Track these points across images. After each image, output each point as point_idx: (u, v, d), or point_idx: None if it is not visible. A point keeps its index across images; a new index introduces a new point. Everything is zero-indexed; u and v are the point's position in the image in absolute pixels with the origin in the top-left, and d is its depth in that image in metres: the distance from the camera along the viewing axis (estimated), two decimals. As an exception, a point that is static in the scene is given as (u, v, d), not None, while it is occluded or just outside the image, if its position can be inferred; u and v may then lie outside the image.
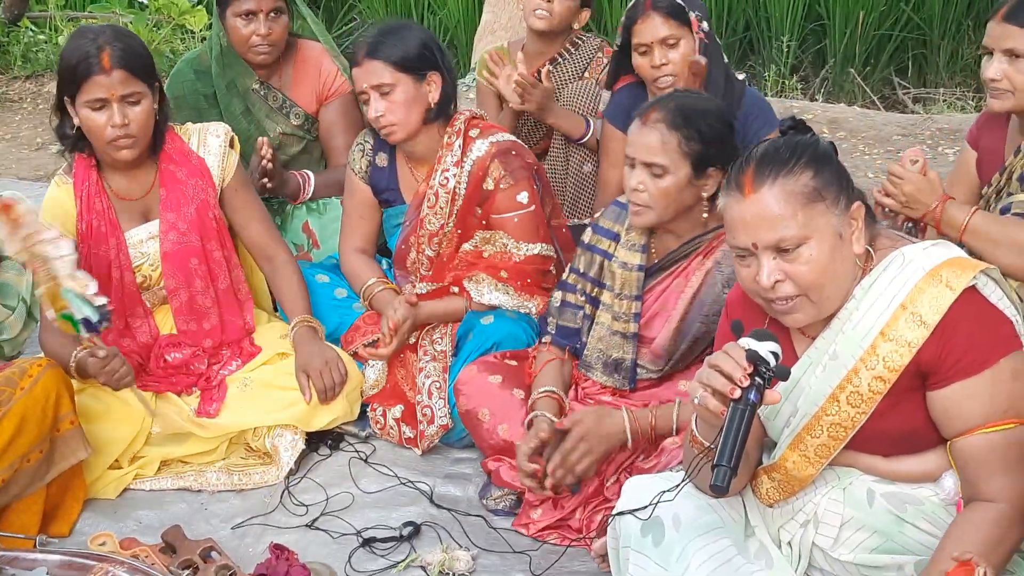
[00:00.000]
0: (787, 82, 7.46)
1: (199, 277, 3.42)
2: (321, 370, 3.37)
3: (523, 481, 3.01)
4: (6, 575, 2.49)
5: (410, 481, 3.32)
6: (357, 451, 3.45)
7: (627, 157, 2.98)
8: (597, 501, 3.03)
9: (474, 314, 3.51)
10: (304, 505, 3.23)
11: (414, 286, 3.60)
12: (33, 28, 8.32)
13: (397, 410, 3.47)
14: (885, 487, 2.31)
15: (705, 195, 2.96)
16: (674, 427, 2.95)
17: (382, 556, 3.02)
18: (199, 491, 3.32)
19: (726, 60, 3.70)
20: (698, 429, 2.26)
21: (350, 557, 3.00)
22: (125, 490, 3.30)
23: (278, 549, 2.90)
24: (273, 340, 3.54)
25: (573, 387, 3.22)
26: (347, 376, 3.42)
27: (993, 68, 2.98)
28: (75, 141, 3.33)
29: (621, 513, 2.42)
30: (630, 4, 3.68)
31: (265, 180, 3.81)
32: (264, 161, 3.79)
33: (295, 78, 4.13)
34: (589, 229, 3.23)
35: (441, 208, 3.53)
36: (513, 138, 3.60)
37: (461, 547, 3.02)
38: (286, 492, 3.28)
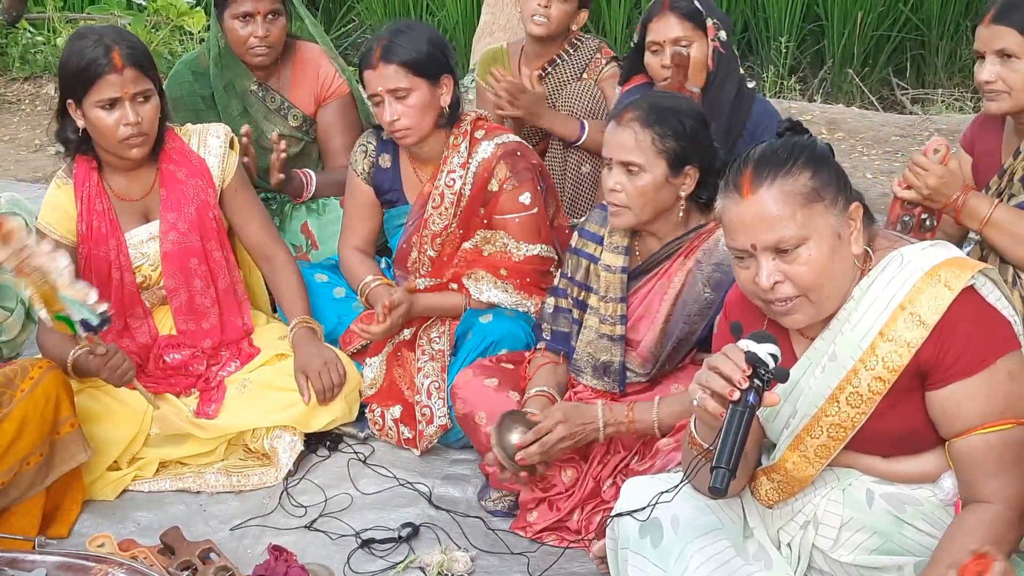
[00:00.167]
0: (785, 83, 7.47)
1: (199, 277, 3.42)
2: (320, 371, 3.37)
3: (487, 460, 3.02)
4: (5, 577, 2.50)
5: (408, 482, 3.32)
6: (356, 452, 3.45)
7: (604, 158, 2.99)
8: (595, 502, 3.03)
9: (473, 313, 3.51)
10: (303, 506, 3.23)
11: (412, 282, 3.60)
12: (31, 30, 8.32)
13: (395, 411, 3.47)
14: (884, 488, 2.31)
15: (683, 194, 2.97)
16: (655, 423, 2.94)
17: (381, 557, 3.02)
18: (198, 492, 3.32)
19: (742, 73, 3.72)
20: (697, 431, 2.26)
21: (349, 558, 3.01)
22: (124, 491, 3.30)
23: (277, 550, 2.90)
24: (272, 341, 3.54)
25: (569, 391, 3.22)
26: (346, 377, 3.42)
27: (986, 71, 2.99)
28: (78, 144, 3.32)
29: (620, 514, 2.42)
30: (650, 3, 3.71)
31: (283, 175, 3.81)
32: (282, 155, 3.79)
33: (293, 79, 4.13)
34: (576, 233, 3.24)
35: (446, 209, 3.53)
36: (518, 139, 3.60)
37: (460, 548, 3.02)
38: (285, 493, 3.28)
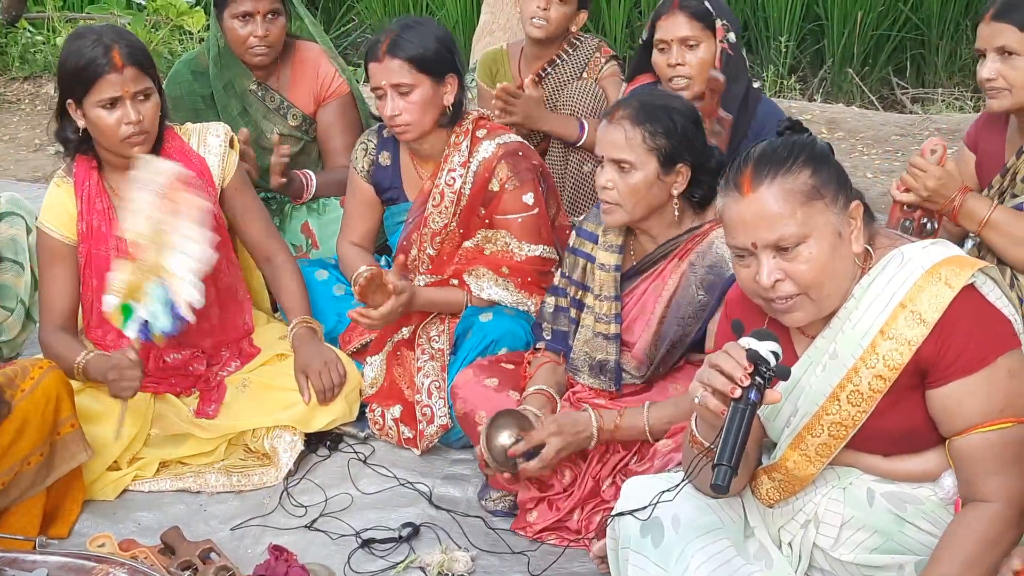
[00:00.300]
0: (785, 82, 7.46)
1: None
2: (320, 371, 3.37)
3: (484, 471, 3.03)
4: (5, 577, 2.50)
5: (409, 482, 3.32)
6: (356, 452, 3.45)
7: (597, 156, 3.00)
8: (595, 502, 3.03)
9: (473, 311, 3.51)
10: (303, 506, 3.23)
11: (412, 281, 3.60)
12: (31, 29, 8.31)
13: (396, 410, 3.47)
14: (885, 487, 2.31)
15: (675, 192, 2.97)
16: (646, 428, 2.97)
17: (381, 557, 3.02)
18: (198, 492, 3.32)
19: (750, 77, 3.73)
20: (698, 429, 2.26)
21: (349, 558, 3.01)
22: (124, 491, 3.31)
23: (277, 550, 2.90)
24: (272, 341, 3.55)
25: (568, 392, 3.22)
26: (346, 377, 3.42)
27: (987, 68, 2.99)
28: (78, 144, 3.32)
29: (620, 514, 2.42)
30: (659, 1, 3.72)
31: (284, 179, 3.81)
32: (283, 158, 3.79)
33: (293, 79, 4.13)
34: (573, 232, 3.24)
35: (446, 208, 3.53)
36: (520, 139, 3.60)
37: (460, 548, 3.02)
38: (285, 493, 3.28)
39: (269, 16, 3.94)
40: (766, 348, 2.08)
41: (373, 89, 3.48)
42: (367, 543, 3.05)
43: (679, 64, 3.59)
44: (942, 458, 2.27)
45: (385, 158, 3.68)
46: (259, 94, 4.09)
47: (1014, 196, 3.03)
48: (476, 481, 3.32)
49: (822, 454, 2.30)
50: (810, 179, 2.19)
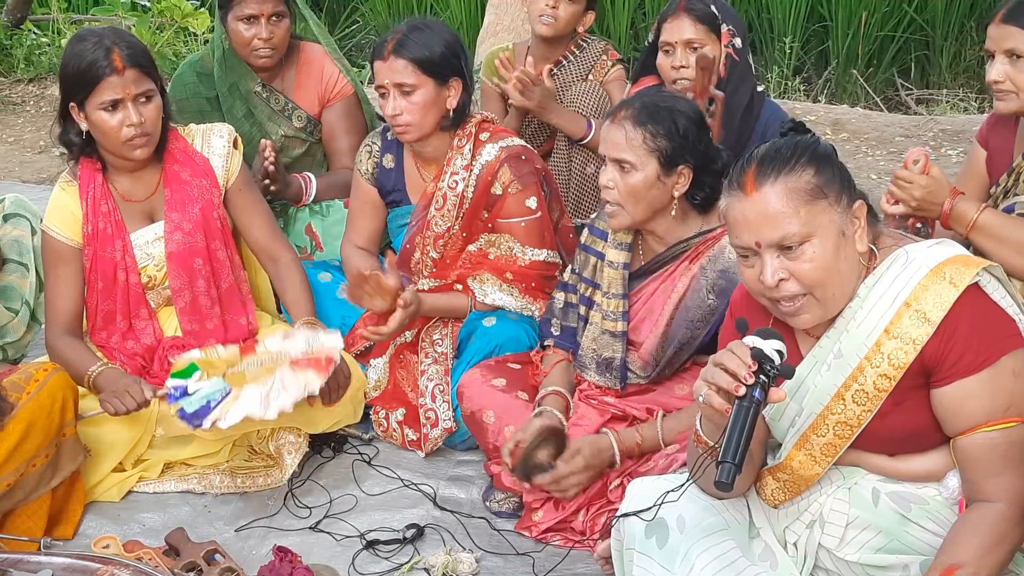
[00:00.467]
0: (790, 83, 7.46)
1: (203, 277, 3.42)
2: (325, 372, 3.37)
3: (503, 453, 3.02)
4: (10, 578, 2.51)
5: (413, 483, 3.32)
6: (360, 453, 3.46)
7: (600, 156, 3.01)
8: (601, 503, 3.03)
9: (476, 315, 3.51)
10: (307, 507, 3.24)
11: (415, 285, 3.61)
12: (36, 31, 8.33)
13: (399, 413, 3.47)
14: (890, 486, 2.31)
15: (676, 194, 2.97)
16: (660, 439, 2.99)
17: (385, 558, 3.02)
18: (203, 494, 3.32)
19: (755, 81, 3.72)
20: (703, 429, 2.26)
21: (354, 559, 3.01)
22: (129, 493, 3.31)
23: (281, 551, 2.90)
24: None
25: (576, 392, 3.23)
26: (350, 379, 3.42)
27: (995, 70, 2.99)
28: (82, 146, 3.33)
29: (625, 515, 2.41)
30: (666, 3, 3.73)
31: (267, 182, 3.81)
32: (267, 163, 3.79)
33: (297, 81, 4.14)
34: (585, 230, 3.25)
35: (449, 211, 3.53)
36: (523, 142, 3.60)
37: (464, 549, 3.02)
38: (289, 494, 3.29)
39: (273, 18, 3.94)
40: (770, 347, 2.09)
41: (377, 87, 3.49)
42: (371, 544, 3.05)
43: (683, 67, 3.59)
44: (947, 458, 2.27)
45: (389, 160, 3.68)
46: (264, 96, 4.10)
47: (1016, 196, 3.02)
48: (480, 482, 3.32)
49: (827, 454, 2.30)
50: (813, 178, 2.20)
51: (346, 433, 3.51)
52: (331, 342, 3.12)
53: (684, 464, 2.62)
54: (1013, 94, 2.99)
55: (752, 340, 2.10)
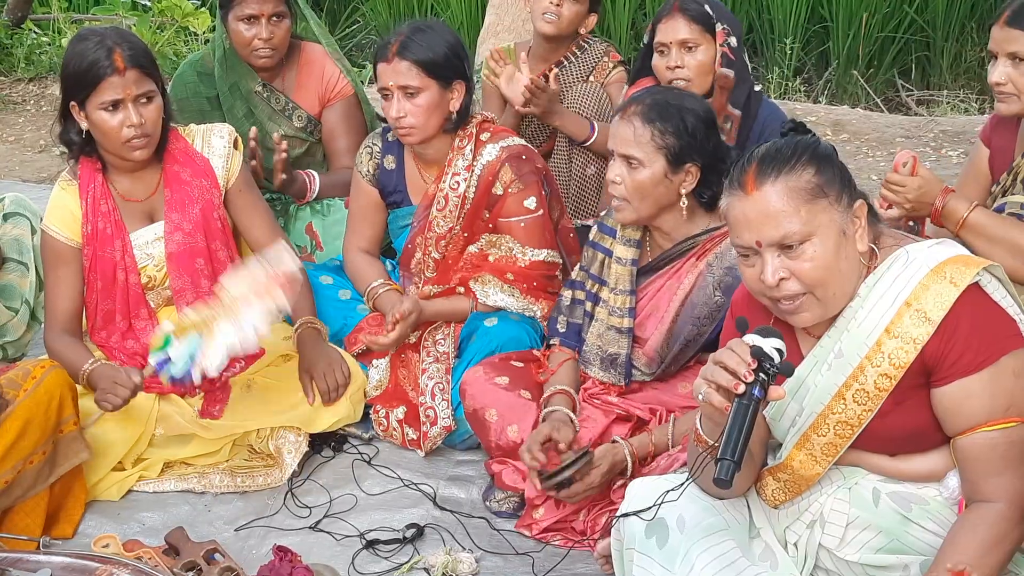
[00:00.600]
0: (790, 84, 7.47)
1: (204, 278, 3.42)
2: (325, 372, 3.37)
3: (524, 458, 3.00)
4: (9, 577, 2.50)
5: (413, 483, 3.32)
6: (360, 453, 3.45)
7: (608, 151, 3.01)
8: (603, 503, 3.03)
9: (478, 316, 3.51)
10: (307, 507, 3.23)
11: (418, 287, 3.61)
12: (36, 30, 8.33)
13: (400, 412, 3.47)
14: (891, 486, 2.31)
15: (683, 192, 2.97)
16: (670, 442, 2.99)
17: (385, 558, 3.02)
18: (202, 493, 3.32)
19: (752, 80, 3.72)
20: (703, 427, 2.26)
21: (353, 559, 3.01)
22: (128, 492, 3.30)
23: (281, 551, 2.90)
24: (277, 342, 3.54)
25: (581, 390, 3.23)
26: (350, 378, 3.42)
27: (998, 72, 2.99)
28: (82, 146, 3.32)
29: (626, 515, 2.41)
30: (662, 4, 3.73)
31: (284, 176, 3.81)
32: (283, 153, 3.79)
33: (298, 81, 4.14)
34: (595, 227, 3.25)
35: (451, 212, 3.53)
36: (523, 142, 3.60)
37: (464, 549, 3.02)
38: (289, 494, 3.28)
39: (274, 18, 3.94)
40: (770, 345, 2.09)
41: (380, 90, 3.48)
42: (371, 544, 3.05)
43: (678, 67, 3.58)
44: (947, 458, 2.27)
45: (390, 162, 3.68)
46: (264, 95, 4.10)
47: (1010, 196, 3.02)
48: (481, 482, 3.32)
49: (828, 454, 2.30)
50: (814, 177, 2.20)
51: (346, 433, 3.50)
52: (286, 261, 3.09)
53: (685, 464, 2.62)
54: (1015, 97, 2.99)
55: (752, 338, 2.10)
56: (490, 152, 3.51)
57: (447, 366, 3.47)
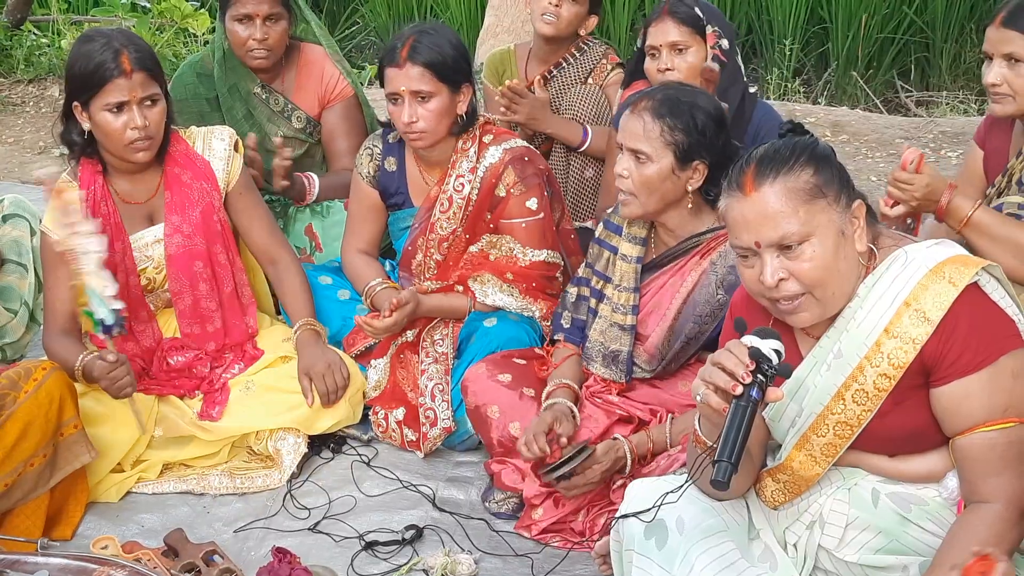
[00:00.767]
0: (789, 85, 7.46)
1: (204, 280, 3.42)
2: (324, 373, 3.37)
3: (525, 450, 2.99)
4: (8, 579, 2.50)
5: (412, 484, 3.32)
6: (359, 454, 3.45)
7: (617, 144, 3.01)
8: (602, 504, 3.03)
9: (477, 316, 3.51)
10: (306, 508, 3.23)
11: (416, 285, 3.60)
12: (36, 32, 8.32)
13: (399, 413, 3.47)
14: (890, 487, 2.31)
15: (690, 188, 2.97)
16: (668, 442, 2.99)
17: (384, 559, 3.02)
18: (201, 494, 3.32)
19: (746, 81, 3.72)
20: (701, 429, 2.26)
21: (352, 560, 3.00)
22: (127, 494, 3.30)
23: (280, 552, 2.90)
24: (276, 343, 3.54)
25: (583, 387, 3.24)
26: (350, 379, 3.42)
27: (993, 73, 2.98)
28: (83, 146, 3.32)
29: (625, 516, 2.41)
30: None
31: (285, 181, 3.81)
32: (285, 160, 3.79)
33: (297, 82, 4.14)
34: (601, 224, 3.25)
35: (454, 214, 3.53)
36: (526, 144, 3.60)
37: (463, 550, 3.02)
38: (288, 495, 3.28)
39: (269, 19, 3.94)
40: (768, 346, 2.09)
41: (389, 95, 3.46)
42: (370, 545, 3.05)
43: (668, 69, 3.58)
44: (947, 459, 2.27)
45: (391, 163, 3.67)
46: (264, 96, 4.10)
47: (1006, 196, 3.02)
48: (480, 483, 3.32)
49: (827, 454, 2.30)
50: (812, 178, 2.20)
51: (345, 434, 3.51)
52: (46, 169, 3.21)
53: (685, 464, 2.62)
54: (1010, 98, 2.98)
55: (750, 339, 2.10)
56: (493, 154, 3.51)
57: (446, 367, 3.47)
